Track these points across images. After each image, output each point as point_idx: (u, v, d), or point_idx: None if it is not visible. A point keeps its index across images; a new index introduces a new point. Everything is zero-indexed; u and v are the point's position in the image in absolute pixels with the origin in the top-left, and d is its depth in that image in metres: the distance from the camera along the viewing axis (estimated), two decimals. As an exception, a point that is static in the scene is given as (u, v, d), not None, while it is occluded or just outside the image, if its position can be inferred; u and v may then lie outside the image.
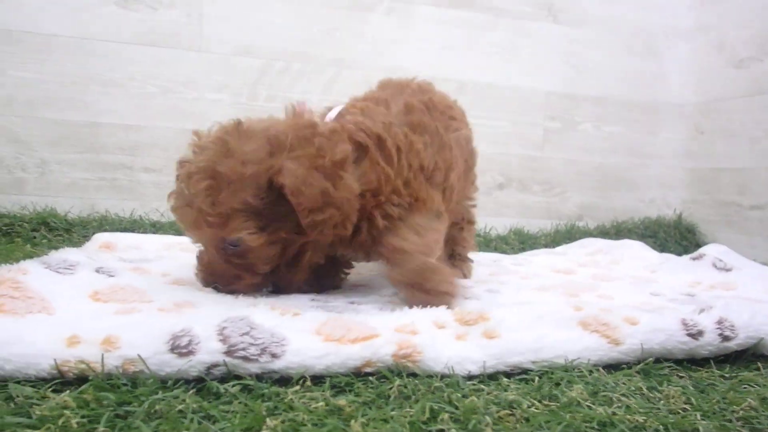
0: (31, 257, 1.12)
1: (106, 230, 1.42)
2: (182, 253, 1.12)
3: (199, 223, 0.74)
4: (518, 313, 0.75)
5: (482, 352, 0.68)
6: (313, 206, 0.73)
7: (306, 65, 1.70)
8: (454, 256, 1.12)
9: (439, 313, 0.74)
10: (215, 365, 0.58)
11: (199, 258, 0.80)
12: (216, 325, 0.61)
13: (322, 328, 0.65)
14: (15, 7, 1.48)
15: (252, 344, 0.59)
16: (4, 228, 1.34)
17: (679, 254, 1.74)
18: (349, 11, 1.72)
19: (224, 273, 0.78)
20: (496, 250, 1.70)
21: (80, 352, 0.54)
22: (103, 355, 0.53)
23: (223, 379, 0.58)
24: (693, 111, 2.08)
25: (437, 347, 0.66)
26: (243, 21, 1.64)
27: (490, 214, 1.90)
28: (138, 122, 1.59)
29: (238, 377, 0.58)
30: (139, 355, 0.54)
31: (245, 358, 0.58)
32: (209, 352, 0.58)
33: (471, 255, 1.18)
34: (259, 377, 0.60)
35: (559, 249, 1.60)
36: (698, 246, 2.02)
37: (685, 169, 2.11)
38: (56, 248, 1.27)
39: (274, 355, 0.59)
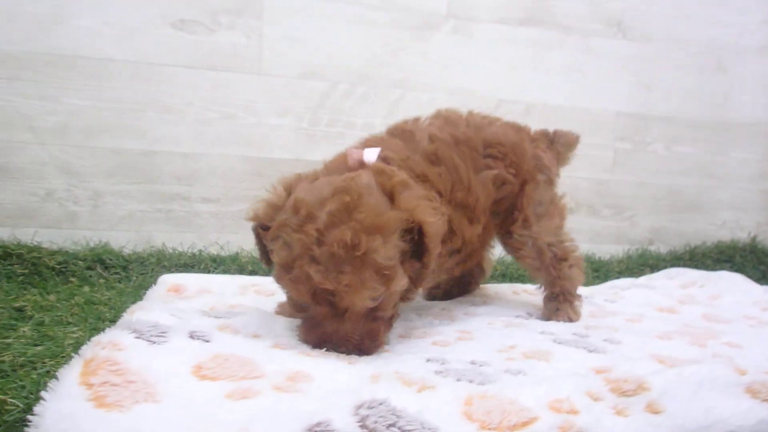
0: (92, 302, 1.05)
1: (164, 266, 1.35)
2: (260, 296, 1.03)
3: (367, 284, 0.66)
4: (676, 379, 0.65)
5: (650, 431, 0.58)
6: (438, 246, 0.75)
7: (370, 88, 1.62)
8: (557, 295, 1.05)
9: (592, 381, 0.63)
10: None
11: (321, 332, 0.70)
12: (354, 413, 0.51)
13: (471, 411, 0.55)
14: (69, 31, 1.43)
15: (404, 438, 0.50)
16: (58, 267, 1.26)
17: (758, 280, 1.62)
18: (413, 31, 1.64)
19: (370, 336, 0.72)
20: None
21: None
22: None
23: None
24: (766, 130, 1.95)
25: (604, 429, 0.57)
26: (305, 43, 1.57)
27: (558, 242, 1.78)
28: (196, 149, 1.52)
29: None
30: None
31: (396, 455, 0.49)
32: None
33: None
34: None
35: (642, 280, 1.48)
36: (778, 272, 1.88)
37: (759, 191, 1.98)
38: (114, 288, 1.21)
39: (429, 450, 0.50)
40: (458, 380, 0.64)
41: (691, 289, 1.36)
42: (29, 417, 0.47)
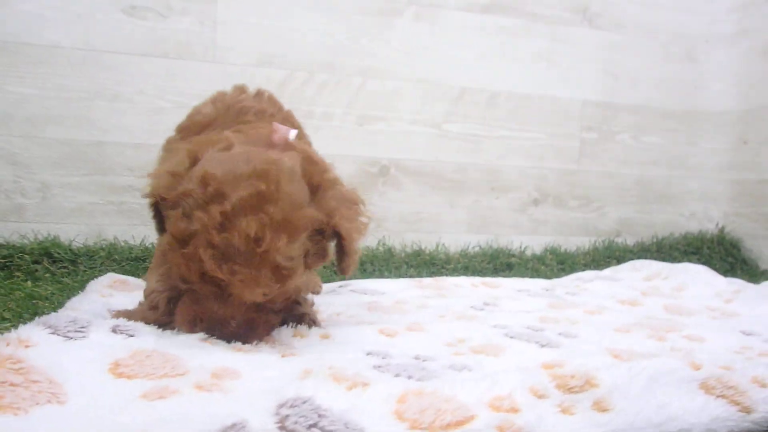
0: (32, 297, 1.00)
1: (114, 260, 1.30)
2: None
3: (262, 280, 0.62)
4: (627, 374, 0.62)
5: (596, 431, 0.55)
6: (358, 249, 0.72)
7: (330, 76, 1.57)
8: None
9: (537, 377, 0.60)
10: None
11: (201, 310, 0.66)
12: (275, 413, 0.47)
13: (404, 409, 0.51)
14: (12, 15, 1.35)
15: (326, 441, 0.46)
16: (2, 261, 1.20)
17: (725, 272, 1.62)
18: (374, 17, 1.60)
19: (251, 325, 0.68)
20: (533, 271, 1.57)
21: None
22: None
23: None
24: (736, 119, 1.95)
25: (546, 428, 0.54)
26: (261, 29, 1.51)
27: (525, 232, 1.77)
28: (148, 140, 1.45)
29: (306, 483, 0.45)
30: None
31: (317, 460, 0.45)
32: None
33: None
34: None
35: (607, 272, 1.47)
36: (744, 263, 1.90)
37: (729, 181, 1.98)
38: (60, 283, 1.16)
39: (350, 454, 0.46)
40: (397, 375, 0.61)
41: (656, 281, 1.35)
42: None
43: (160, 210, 0.68)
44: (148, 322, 0.69)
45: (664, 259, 1.65)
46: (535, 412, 0.55)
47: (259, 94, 0.97)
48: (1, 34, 1.34)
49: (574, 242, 1.81)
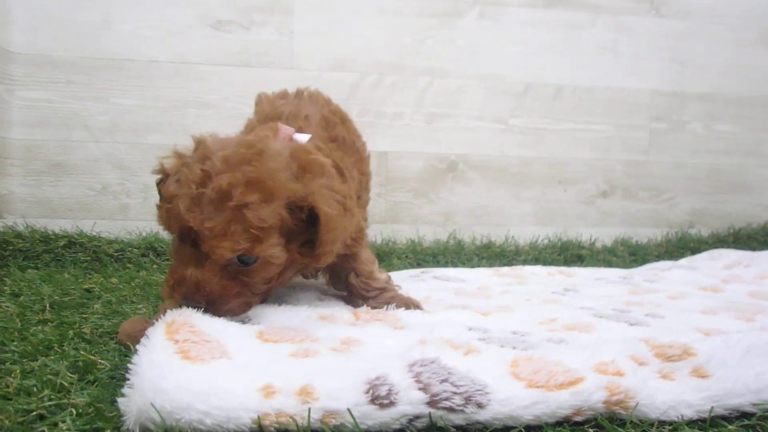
0: (149, 284, 1.13)
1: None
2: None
3: (230, 235, 0.63)
4: (723, 345, 0.65)
5: (697, 395, 0.59)
6: (335, 240, 0.71)
7: (398, 77, 1.64)
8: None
9: (636, 347, 0.64)
10: (418, 417, 0.51)
11: (179, 274, 0.67)
12: (408, 370, 0.54)
13: (518, 371, 0.57)
14: (117, 35, 1.50)
15: (455, 393, 0.52)
16: (116, 254, 1.34)
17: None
18: (439, 18, 1.66)
19: (222, 292, 0.67)
20: (604, 263, 1.58)
21: (278, 404, 0.48)
22: (309, 409, 0.47)
23: (423, 432, 0.51)
24: (814, 104, 1.88)
25: (650, 391, 0.58)
26: (333, 36, 1.60)
27: (593, 224, 1.77)
28: (234, 143, 1.57)
29: (440, 429, 0.52)
30: (348, 410, 0.47)
31: (450, 409, 0.51)
32: (411, 402, 0.51)
33: None
34: (461, 429, 0.52)
35: (683, 261, 1.46)
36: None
37: (807, 168, 1.91)
38: (165, 273, 1.28)
39: (479, 405, 0.52)
40: (502, 346, 0.66)
41: (736, 269, 1.33)
42: (127, 368, 0.52)
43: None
44: None
45: (742, 250, 1.62)
46: (639, 377, 0.59)
47: (299, 94, 0.99)
48: (107, 52, 1.50)
49: (644, 234, 1.80)
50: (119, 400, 0.48)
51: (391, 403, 0.50)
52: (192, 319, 0.59)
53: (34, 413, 0.49)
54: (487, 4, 1.68)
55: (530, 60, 1.71)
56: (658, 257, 1.64)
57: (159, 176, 0.73)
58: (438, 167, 1.67)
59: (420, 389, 0.52)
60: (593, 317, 0.84)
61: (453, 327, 0.74)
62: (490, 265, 1.44)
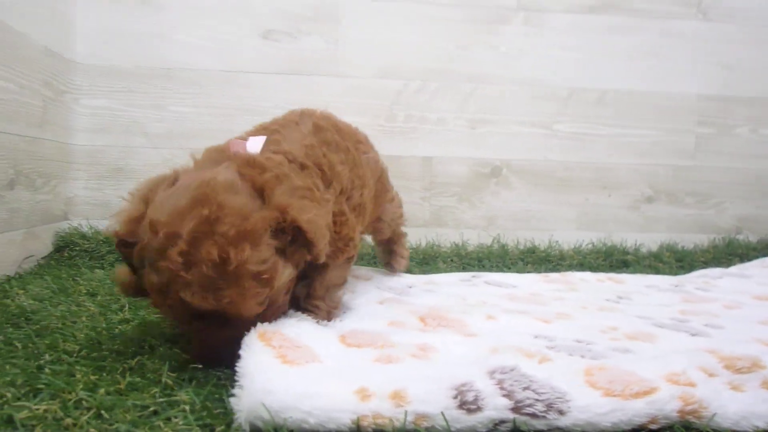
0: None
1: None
2: (356, 280, 1.11)
3: (250, 295, 0.62)
4: (793, 359, 0.66)
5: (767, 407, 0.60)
6: (324, 236, 0.70)
7: (442, 83, 1.67)
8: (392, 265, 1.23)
9: (704, 358, 0.66)
10: (502, 422, 0.54)
11: (213, 340, 0.64)
12: (490, 377, 0.57)
13: (594, 380, 0.59)
14: (171, 46, 1.56)
15: (537, 400, 0.55)
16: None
17: None
18: (483, 25, 1.68)
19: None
20: (651, 269, 1.57)
21: (375, 406, 0.51)
22: (406, 411, 0.50)
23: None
24: None
25: (722, 401, 0.59)
26: (378, 44, 1.64)
27: (638, 230, 1.76)
28: (283, 149, 1.62)
29: (521, 434, 0.54)
30: (442, 413, 0.50)
31: (533, 415, 0.54)
32: (496, 408, 0.54)
33: None
34: None
35: (734, 269, 1.44)
36: None
37: None
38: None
39: (560, 412, 0.55)
40: (570, 355, 0.69)
41: (790, 277, 1.31)
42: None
43: (127, 256, 0.67)
44: None
45: (791, 256, 1.59)
46: (710, 387, 0.61)
47: (304, 115, 0.94)
48: (164, 62, 1.56)
49: (690, 239, 1.78)
50: (231, 399, 0.52)
51: (478, 408, 0.53)
52: (278, 328, 0.63)
53: (150, 409, 0.53)
54: (531, 11, 1.69)
55: (574, 65, 1.71)
56: (705, 264, 1.62)
57: (116, 239, 0.66)
58: (481, 172, 1.69)
59: (504, 396, 0.54)
60: (653, 326, 0.86)
61: (519, 335, 0.76)
62: (536, 270, 1.46)
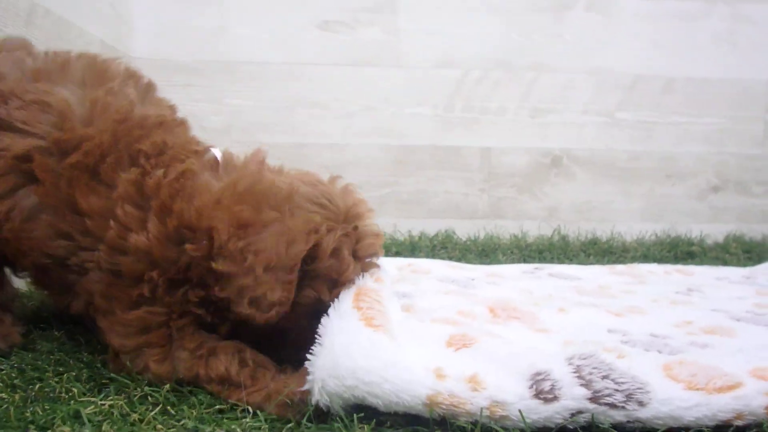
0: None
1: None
2: (417, 274, 1.12)
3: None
4: None
5: None
6: None
7: (503, 72, 1.65)
8: None
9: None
10: (580, 412, 0.54)
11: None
12: (567, 363, 0.57)
13: (674, 374, 0.58)
14: (230, 39, 1.61)
15: (617, 390, 0.55)
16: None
17: None
18: (546, 13, 1.64)
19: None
20: (718, 260, 1.51)
21: (450, 386, 0.53)
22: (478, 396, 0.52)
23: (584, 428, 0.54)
24: None
25: (813, 399, 0.57)
26: (439, 33, 1.63)
27: (704, 220, 1.70)
28: (341, 141, 1.65)
29: (599, 425, 0.54)
30: (520, 411, 0.52)
31: (612, 405, 0.54)
32: (574, 398, 0.54)
33: None
34: (619, 426, 0.55)
35: (810, 262, 1.37)
36: None
37: None
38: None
39: (640, 403, 0.54)
40: (646, 350, 0.68)
41: None
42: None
43: None
44: None
45: None
46: (799, 384, 0.59)
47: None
48: (222, 55, 1.61)
49: (758, 230, 1.70)
50: (309, 356, 0.55)
51: (555, 398, 0.53)
52: (378, 285, 0.65)
53: (215, 407, 0.57)
54: (593, -5, 1.65)
55: (639, 53, 1.66)
56: (777, 256, 1.55)
57: None
58: (542, 162, 1.67)
59: (582, 385, 0.55)
60: (730, 320, 0.83)
61: (594, 328, 0.76)
62: (598, 262, 1.43)
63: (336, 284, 0.61)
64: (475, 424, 0.53)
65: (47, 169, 0.61)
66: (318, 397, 0.54)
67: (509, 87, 1.65)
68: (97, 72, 0.68)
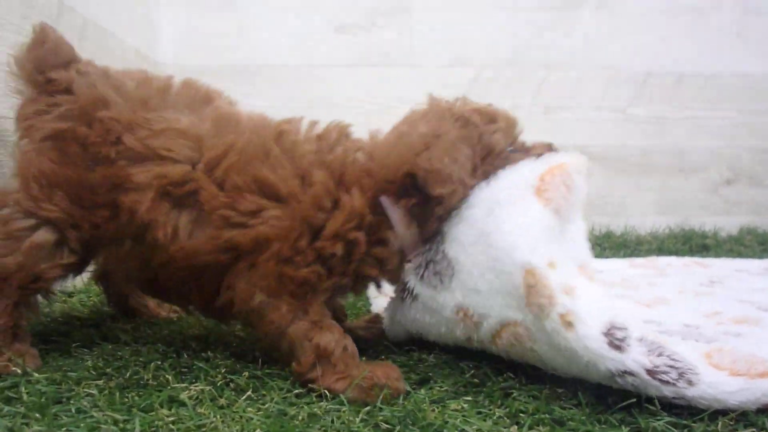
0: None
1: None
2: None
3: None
4: None
5: None
6: None
7: (515, 71, 1.67)
8: None
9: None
10: (630, 374, 0.55)
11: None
12: (641, 330, 0.59)
13: (716, 362, 0.61)
14: (251, 43, 1.64)
15: (671, 367, 0.57)
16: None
17: None
18: (557, 11, 1.67)
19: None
20: (732, 252, 1.54)
21: (550, 277, 0.58)
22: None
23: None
24: None
25: None
26: (451, 34, 1.66)
27: (717, 213, 1.73)
28: (359, 140, 1.67)
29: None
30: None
31: (663, 381, 0.56)
32: (635, 359, 0.55)
33: None
34: (664, 399, 0.57)
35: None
36: None
37: None
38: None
39: (690, 383, 0.57)
40: (684, 339, 0.70)
41: None
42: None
43: None
44: None
45: None
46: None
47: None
48: (243, 58, 1.64)
49: (771, 223, 1.73)
50: None
51: (620, 349, 0.55)
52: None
53: (294, 392, 0.60)
54: (605, -7, 1.67)
55: (650, 48, 1.68)
56: (790, 248, 1.58)
57: None
58: (555, 159, 1.69)
59: (645, 354, 0.56)
60: (758, 310, 0.86)
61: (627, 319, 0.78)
62: (614, 255, 1.46)
63: None
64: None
65: (206, 186, 0.66)
66: None
67: (522, 85, 1.67)
68: (191, 95, 0.74)
